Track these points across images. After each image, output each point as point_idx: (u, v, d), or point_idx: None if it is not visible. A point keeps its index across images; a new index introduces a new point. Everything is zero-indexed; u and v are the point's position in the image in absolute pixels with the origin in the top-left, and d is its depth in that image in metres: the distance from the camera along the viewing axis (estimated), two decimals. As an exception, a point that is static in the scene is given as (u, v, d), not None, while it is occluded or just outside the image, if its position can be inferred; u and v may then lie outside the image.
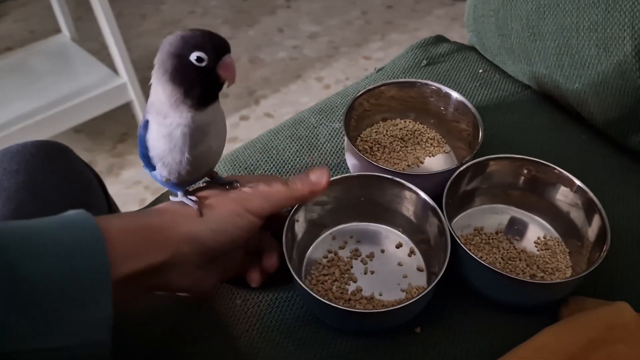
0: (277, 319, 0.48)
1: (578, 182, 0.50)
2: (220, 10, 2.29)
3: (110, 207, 0.67)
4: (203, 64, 0.37)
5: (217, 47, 0.38)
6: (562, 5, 0.62)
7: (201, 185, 0.47)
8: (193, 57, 0.37)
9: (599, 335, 0.43)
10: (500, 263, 0.51)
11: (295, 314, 0.48)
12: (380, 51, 1.94)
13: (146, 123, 0.40)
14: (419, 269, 0.51)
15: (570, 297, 0.47)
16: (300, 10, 2.23)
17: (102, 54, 1.52)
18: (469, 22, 0.75)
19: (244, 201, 0.44)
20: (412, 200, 0.52)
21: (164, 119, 0.39)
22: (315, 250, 0.53)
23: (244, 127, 1.69)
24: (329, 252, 0.53)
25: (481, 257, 0.46)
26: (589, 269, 0.44)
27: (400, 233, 0.54)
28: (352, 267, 0.52)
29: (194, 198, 0.44)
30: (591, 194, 0.49)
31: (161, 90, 0.38)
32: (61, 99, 1.40)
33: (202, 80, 0.38)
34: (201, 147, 0.41)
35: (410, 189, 0.51)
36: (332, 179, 0.48)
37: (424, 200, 0.50)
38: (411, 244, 0.53)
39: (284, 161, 0.62)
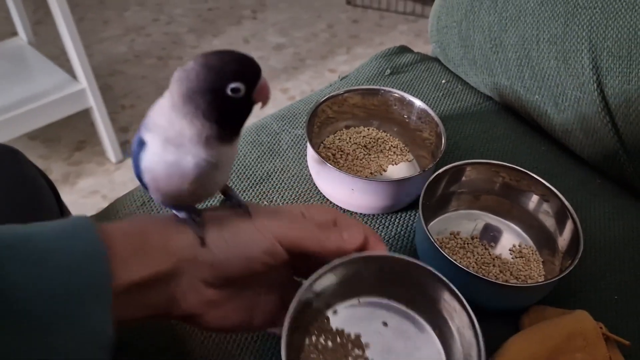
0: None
1: (553, 189, 0.51)
2: (185, 18, 2.26)
3: (63, 215, 0.64)
4: (240, 95, 0.33)
5: (254, 73, 0.33)
6: (523, 17, 0.63)
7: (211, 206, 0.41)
8: (229, 89, 0.32)
9: (559, 345, 0.43)
10: (473, 267, 0.51)
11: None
12: (346, 64, 1.94)
13: (141, 142, 0.35)
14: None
15: (531, 306, 0.47)
16: (267, 21, 2.23)
17: (61, 59, 1.48)
18: (432, 33, 0.76)
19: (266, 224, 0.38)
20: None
21: (176, 148, 0.34)
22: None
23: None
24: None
25: (455, 260, 0.46)
26: (561, 275, 0.45)
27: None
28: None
29: (198, 219, 0.37)
30: (566, 203, 0.50)
31: (187, 126, 0.33)
32: (15, 104, 1.35)
33: (239, 112, 0.34)
34: (207, 179, 0.36)
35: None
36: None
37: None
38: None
39: (244, 167, 0.61)
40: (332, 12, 2.28)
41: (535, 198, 0.53)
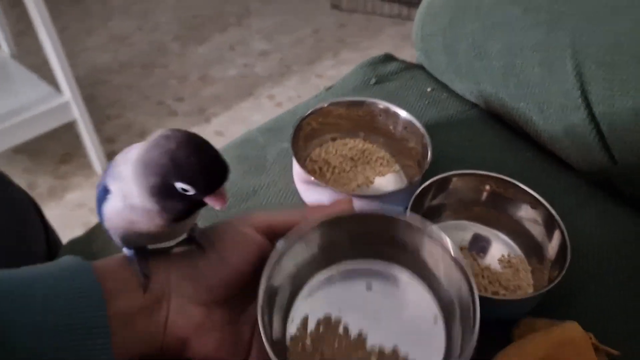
0: None
1: (539, 198, 0.51)
2: (170, 26, 2.25)
3: (49, 236, 0.63)
4: (189, 194, 0.32)
5: (209, 183, 0.32)
6: (506, 25, 0.63)
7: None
8: (179, 186, 0.32)
9: (550, 355, 0.43)
10: None
11: None
12: (333, 69, 1.94)
13: (106, 189, 0.35)
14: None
15: (520, 318, 0.47)
16: (252, 27, 2.22)
17: (44, 70, 1.46)
18: (417, 41, 0.76)
19: (245, 219, 0.40)
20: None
21: (131, 209, 0.34)
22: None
23: (194, 145, 1.65)
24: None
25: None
26: (550, 286, 0.45)
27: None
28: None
29: (142, 267, 0.37)
30: (553, 211, 0.50)
31: (136, 193, 0.33)
32: (-2, 118, 1.33)
33: (184, 206, 0.33)
34: (165, 236, 0.37)
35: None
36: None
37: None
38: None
39: (230, 184, 0.60)
40: (317, 16, 2.27)
41: (522, 207, 0.53)
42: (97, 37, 2.18)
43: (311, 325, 0.40)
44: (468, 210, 0.55)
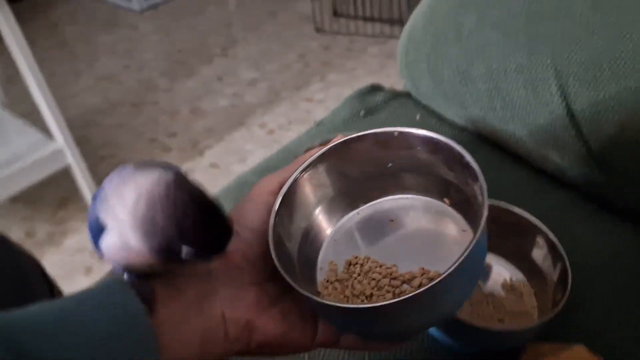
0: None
1: (537, 223, 0.51)
2: (157, 62, 2.27)
3: (53, 294, 0.63)
4: (195, 254, 0.31)
5: (217, 244, 0.31)
6: (487, 49, 0.65)
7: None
8: (185, 249, 0.31)
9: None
10: (467, 308, 0.51)
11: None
12: (321, 92, 1.96)
13: (99, 224, 0.32)
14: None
15: (527, 343, 0.47)
16: (238, 57, 2.25)
17: (35, 117, 1.46)
18: (402, 68, 0.77)
19: (259, 189, 0.39)
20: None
21: (129, 250, 0.32)
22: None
23: (190, 180, 1.66)
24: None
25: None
26: (555, 311, 0.45)
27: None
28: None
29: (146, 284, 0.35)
30: (552, 236, 0.50)
31: (137, 246, 0.31)
32: (-8, 170, 1.34)
33: (174, 260, 0.32)
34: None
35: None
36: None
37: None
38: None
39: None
40: (302, 41, 2.30)
41: (521, 231, 0.53)
42: (85, 79, 2.20)
43: (339, 268, 0.40)
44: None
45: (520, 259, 0.54)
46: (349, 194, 0.43)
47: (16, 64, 1.30)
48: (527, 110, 0.61)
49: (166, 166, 0.32)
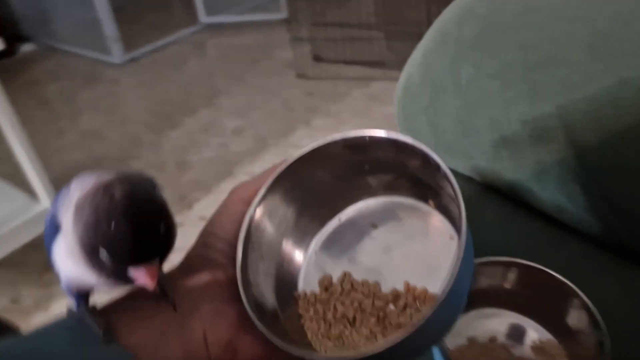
0: None
1: (565, 280, 0.50)
2: (140, 116, 2.26)
3: None
4: (108, 263, 0.29)
5: (130, 254, 0.29)
6: (489, 100, 0.64)
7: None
8: (101, 251, 0.29)
9: None
10: None
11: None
12: (307, 138, 1.95)
13: (56, 223, 0.32)
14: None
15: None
16: (222, 107, 2.25)
17: (19, 177, 1.43)
18: (400, 122, 0.76)
19: (235, 196, 0.39)
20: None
21: (72, 255, 0.31)
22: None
23: (180, 234, 1.61)
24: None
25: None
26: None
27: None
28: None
29: (96, 319, 0.33)
30: (578, 291, 0.49)
31: (71, 240, 0.30)
32: (-24, 237, 1.29)
33: (112, 272, 0.30)
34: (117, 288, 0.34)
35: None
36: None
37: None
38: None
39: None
40: (285, 88, 2.31)
41: (550, 290, 0.51)
42: (69, 136, 2.17)
43: (318, 287, 0.38)
44: (493, 297, 0.54)
45: (549, 318, 0.52)
46: (325, 199, 0.40)
47: (-1, 125, 1.28)
48: (535, 160, 0.60)
49: (124, 173, 0.32)
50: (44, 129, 2.22)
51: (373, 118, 2.00)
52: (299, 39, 2.31)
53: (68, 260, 0.31)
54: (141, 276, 0.30)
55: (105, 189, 0.29)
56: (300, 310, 0.37)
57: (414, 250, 0.38)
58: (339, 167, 0.39)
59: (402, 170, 0.38)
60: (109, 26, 2.57)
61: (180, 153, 1.98)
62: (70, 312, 0.35)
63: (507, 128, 0.62)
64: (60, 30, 2.83)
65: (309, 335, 0.35)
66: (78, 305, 0.34)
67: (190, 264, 0.37)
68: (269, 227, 0.38)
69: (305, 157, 0.38)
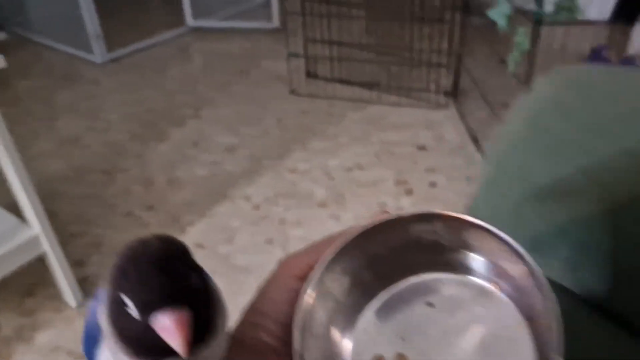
0: None
1: None
2: (124, 124, 2.15)
3: None
4: (131, 312, 0.27)
5: (151, 297, 0.26)
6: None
7: None
8: (124, 299, 0.27)
9: None
10: None
11: None
12: (305, 162, 1.89)
13: (95, 337, 0.30)
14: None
15: None
16: (210, 118, 2.16)
17: (3, 194, 1.32)
18: (483, 214, 0.72)
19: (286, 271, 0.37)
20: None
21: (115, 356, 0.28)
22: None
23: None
24: None
25: None
26: None
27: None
28: None
29: None
30: None
31: (104, 319, 0.28)
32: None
33: (133, 332, 0.27)
34: None
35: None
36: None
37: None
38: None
39: None
40: (276, 103, 2.24)
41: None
42: (45, 141, 2.04)
43: None
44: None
45: None
46: (380, 273, 0.38)
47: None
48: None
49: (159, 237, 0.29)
50: (16, 130, 2.05)
51: (372, 144, 1.96)
52: (295, 54, 2.25)
53: None
54: (167, 324, 0.26)
55: (139, 242, 0.28)
56: None
57: (476, 336, 0.35)
58: (397, 241, 0.37)
59: (463, 249, 0.37)
60: (91, 22, 2.43)
61: (169, 168, 1.88)
62: None
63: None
64: (36, 20, 2.66)
65: None
66: None
67: (240, 346, 0.34)
68: (320, 307, 0.35)
69: (366, 232, 0.36)
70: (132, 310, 0.26)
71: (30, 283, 1.45)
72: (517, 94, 1.86)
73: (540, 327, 0.32)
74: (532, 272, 0.32)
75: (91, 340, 0.29)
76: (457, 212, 0.36)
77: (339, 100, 2.23)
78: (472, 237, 0.35)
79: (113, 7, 2.78)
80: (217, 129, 2.09)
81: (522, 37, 1.49)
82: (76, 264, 1.50)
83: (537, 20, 1.42)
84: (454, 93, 2.17)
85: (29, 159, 1.91)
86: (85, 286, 1.42)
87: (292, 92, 2.29)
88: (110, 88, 2.41)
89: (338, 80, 2.29)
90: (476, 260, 0.36)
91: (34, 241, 1.26)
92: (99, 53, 2.50)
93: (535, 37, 1.44)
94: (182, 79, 2.48)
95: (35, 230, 1.26)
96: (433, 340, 0.35)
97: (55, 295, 1.41)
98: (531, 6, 1.48)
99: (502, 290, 0.35)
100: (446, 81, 2.17)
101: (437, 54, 2.10)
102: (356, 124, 2.10)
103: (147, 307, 0.26)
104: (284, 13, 2.19)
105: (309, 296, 0.35)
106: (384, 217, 0.36)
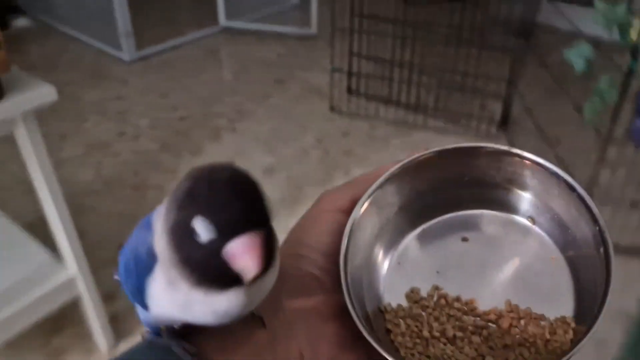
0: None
1: None
2: (155, 131, 2.03)
3: None
4: (202, 241, 0.25)
5: (234, 219, 0.25)
6: None
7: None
8: (194, 225, 0.25)
9: None
10: None
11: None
12: (349, 192, 1.78)
13: (152, 253, 0.27)
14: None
15: None
16: (247, 133, 2.04)
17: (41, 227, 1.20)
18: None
19: (327, 203, 0.36)
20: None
21: (174, 288, 0.27)
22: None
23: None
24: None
25: None
26: None
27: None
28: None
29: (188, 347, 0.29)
30: None
31: (162, 245, 0.26)
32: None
33: (202, 263, 0.26)
34: (231, 316, 0.28)
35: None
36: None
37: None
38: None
39: None
40: (316, 120, 2.12)
41: None
42: (73, 144, 1.93)
43: (406, 300, 0.36)
44: None
45: None
46: (417, 210, 0.38)
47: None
48: None
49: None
50: (43, 131, 1.95)
51: (418, 176, 1.85)
52: (339, 70, 2.12)
53: (167, 294, 0.27)
54: (246, 249, 0.24)
55: (207, 166, 0.26)
56: (389, 325, 0.34)
57: (510, 268, 0.36)
58: (437, 177, 0.38)
59: (501, 185, 0.38)
60: (122, 19, 2.30)
61: (204, 189, 1.77)
62: (150, 340, 0.31)
63: None
64: (63, 8, 2.52)
65: (402, 352, 0.33)
66: (159, 333, 0.30)
67: (284, 276, 0.32)
68: (361, 238, 0.36)
69: (406, 167, 0.37)
70: (204, 234, 0.25)
71: (57, 319, 1.34)
72: (580, 133, 1.75)
73: (582, 260, 0.33)
74: (582, 199, 0.32)
75: (143, 271, 0.27)
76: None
77: (381, 121, 2.11)
78: (517, 171, 0.36)
79: (144, 2, 2.64)
80: (254, 146, 1.98)
81: (606, 85, 1.37)
82: (106, 297, 1.38)
83: (631, 71, 1.30)
84: (505, 122, 2.06)
85: (56, 163, 1.80)
86: (116, 325, 1.32)
87: (332, 108, 2.17)
88: (138, 89, 2.28)
89: (381, 99, 2.17)
90: (519, 196, 0.37)
91: (69, 284, 1.15)
92: (127, 51, 2.37)
93: (625, 90, 1.32)
94: (215, 84, 2.35)
95: (71, 271, 1.15)
96: (468, 273, 0.36)
97: (84, 335, 1.30)
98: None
99: (542, 226, 0.36)
100: (497, 109, 2.05)
101: (495, 82, 1.98)
102: (400, 150, 1.98)
103: (228, 230, 0.24)
104: (332, 29, 2.05)
105: (362, 207, 0.35)
106: (425, 153, 0.37)
